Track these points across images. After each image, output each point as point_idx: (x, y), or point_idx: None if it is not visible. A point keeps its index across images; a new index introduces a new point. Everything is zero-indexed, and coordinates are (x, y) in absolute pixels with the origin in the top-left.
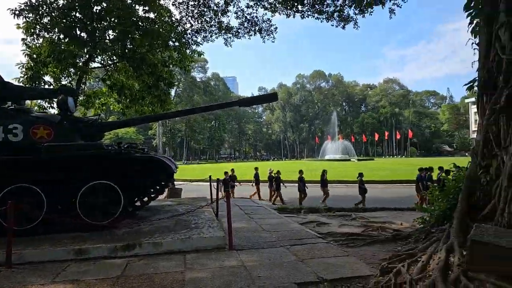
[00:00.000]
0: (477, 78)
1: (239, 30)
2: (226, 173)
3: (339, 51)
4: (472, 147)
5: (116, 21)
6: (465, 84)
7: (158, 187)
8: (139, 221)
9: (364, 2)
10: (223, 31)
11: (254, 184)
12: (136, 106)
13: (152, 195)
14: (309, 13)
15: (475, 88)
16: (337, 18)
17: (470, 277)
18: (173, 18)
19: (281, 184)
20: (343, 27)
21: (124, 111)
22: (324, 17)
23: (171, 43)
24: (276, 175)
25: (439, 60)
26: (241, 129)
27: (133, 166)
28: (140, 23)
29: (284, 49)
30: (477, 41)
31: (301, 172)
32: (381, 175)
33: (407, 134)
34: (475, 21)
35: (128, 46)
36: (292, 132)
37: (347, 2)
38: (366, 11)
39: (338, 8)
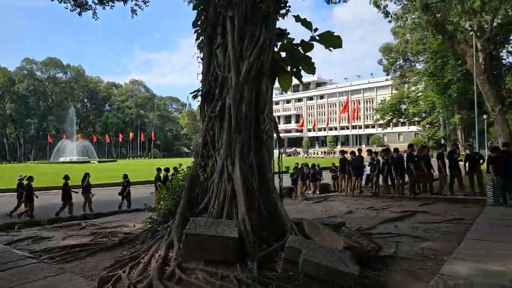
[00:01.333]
0: (200, 89)
1: None
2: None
3: (81, 42)
4: (195, 149)
5: None
6: (191, 93)
7: None
8: None
9: None
10: None
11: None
12: None
13: None
14: None
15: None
16: (72, 2)
17: (183, 268)
18: None
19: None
20: (80, 14)
21: None
22: None
23: None
24: (27, 182)
25: (180, 70)
26: None
27: None
28: None
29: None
30: (202, 56)
31: (66, 177)
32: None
33: (151, 136)
34: (201, 38)
35: None
36: (14, 128)
37: None
38: (106, 3)
39: None
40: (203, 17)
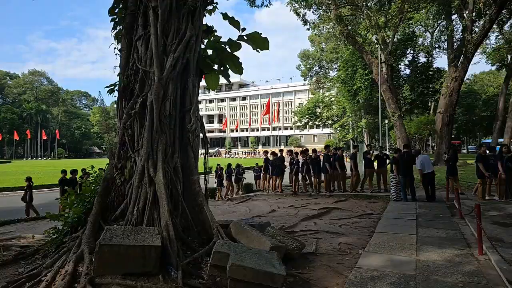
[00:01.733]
0: (118, 83)
1: None
2: None
3: None
4: (110, 149)
5: None
6: (107, 87)
7: None
8: None
9: None
10: None
11: None
12: None
13: None
14: None
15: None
16: None
17: (96, 284)
18: None
19: None
20: None
21: None
22: None
23: None
24: None
25: (91, 62)
26: None
27: None
28: None
29: None
30: (120, 47)
31: None
32: (20, 180)
33: (55, 134)
34: (118, 27)
35: None
36: None
37: None
38: None
39: None
40: (121, 5)
